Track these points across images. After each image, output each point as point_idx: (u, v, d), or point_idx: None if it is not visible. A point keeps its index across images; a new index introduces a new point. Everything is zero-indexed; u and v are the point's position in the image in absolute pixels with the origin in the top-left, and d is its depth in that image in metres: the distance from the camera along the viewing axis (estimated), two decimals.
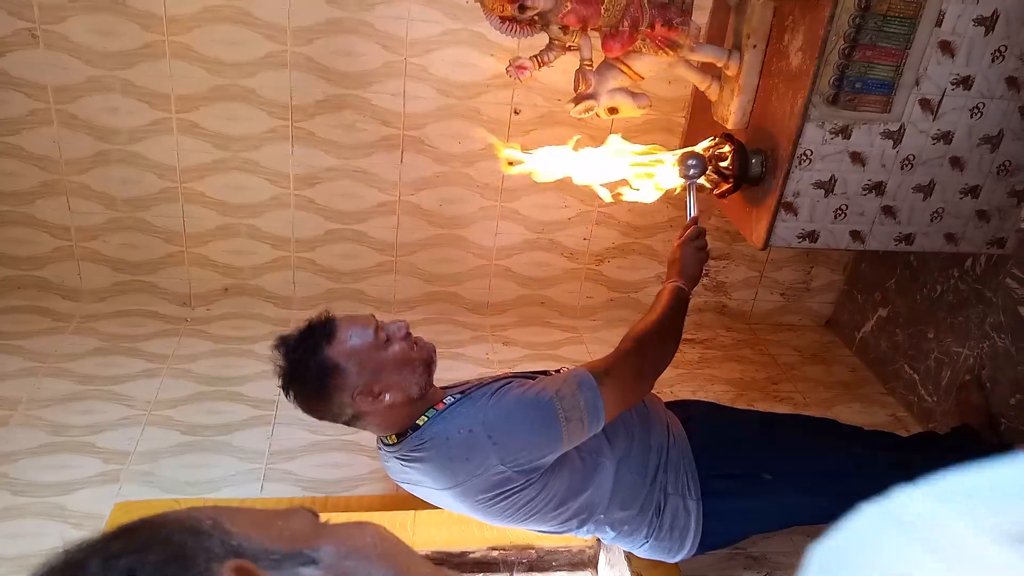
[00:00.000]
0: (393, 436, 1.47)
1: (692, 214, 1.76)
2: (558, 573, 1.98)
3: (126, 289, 2.71)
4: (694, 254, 1.69)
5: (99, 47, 2.32)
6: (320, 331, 1.37)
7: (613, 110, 1.78)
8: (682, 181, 1.75)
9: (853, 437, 1.88)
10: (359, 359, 1.36)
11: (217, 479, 2.05)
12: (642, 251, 2.94)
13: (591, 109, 1.75)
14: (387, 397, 1.38)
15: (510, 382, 1.49)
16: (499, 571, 1.93)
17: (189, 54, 2.37)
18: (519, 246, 2.87)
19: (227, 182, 2.59)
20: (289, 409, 2.11)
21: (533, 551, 1.94)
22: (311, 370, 1.35)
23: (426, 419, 1.42)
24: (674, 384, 2.65)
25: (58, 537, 1.77)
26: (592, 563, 1.99)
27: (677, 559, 1.65)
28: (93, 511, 1.90)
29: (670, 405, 1.82)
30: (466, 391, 1.48)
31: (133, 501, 1.93)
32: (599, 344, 2.84)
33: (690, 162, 1.72)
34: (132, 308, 2.70)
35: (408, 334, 1.45)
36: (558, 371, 1.61)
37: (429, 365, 1.45)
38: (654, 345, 1.52)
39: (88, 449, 2.10)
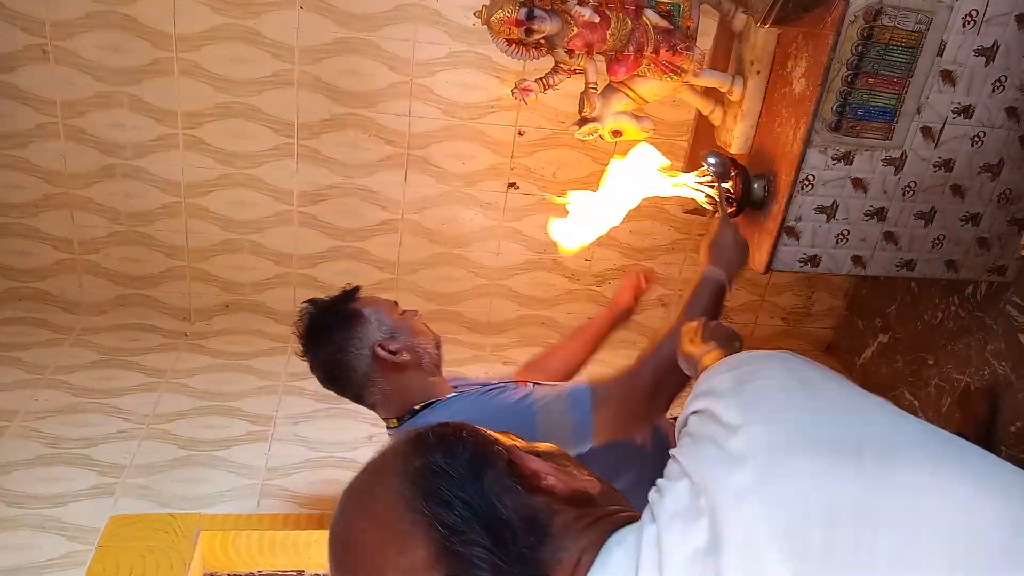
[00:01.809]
0: (395, 420, 1.47)
1: (725, 210, 1.63)
2: None
3: (126, 303, 2.72)
4: (735, 235, 1.50)
5: (108, 63, 2.35)
6: (348, 292, 1.50)
7: (617, 133, 1.79)
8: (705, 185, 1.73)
9: None
10: (380, 315, 1.46)
11: (213, 494, 2.03)
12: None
13: (595, 132, 1.76)
14: (404, 355, 1.43)
15: (506, 387, 1.45)
16: None
17: (197, 71, 2.39)
18: (521, 266, 2.87)
19: (231, 198, 2.60)
20: (286, 425, 2.14)
21: None
22: (338, 315, 1.44)
23: (424, 406, 1.44)
24: (674, 410, 2.64)
25: (52, 550, 1.76)
26: None
27: None
28: (88, 524, 1.89)
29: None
30: (459, 387, 1.50)
31: (128, 515, 1.91)
32: (598, 365, 2.83)
33: (711, 160, 1.65)
34: (131, 322, 2.70)
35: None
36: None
37: (439, 347, 1.53)
38: (671, 369, 1.30)
39: (84, 462, 2.09)
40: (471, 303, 2.92)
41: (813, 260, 1.83)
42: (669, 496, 0.57)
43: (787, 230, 1.78)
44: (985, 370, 2.30)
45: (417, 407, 1.44)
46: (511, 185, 2.71)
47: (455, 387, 1.51)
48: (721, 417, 0.59)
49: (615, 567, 0.55)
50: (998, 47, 1.66)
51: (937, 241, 1.87)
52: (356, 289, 1.52)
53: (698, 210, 1.87)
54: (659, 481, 0.61)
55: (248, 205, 2.62)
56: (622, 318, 1.91)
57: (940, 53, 1.64)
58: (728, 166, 1.68)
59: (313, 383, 2.54)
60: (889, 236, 1.85)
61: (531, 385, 1.46)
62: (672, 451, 0.62)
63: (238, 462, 2.16)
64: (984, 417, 2.22)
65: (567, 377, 1.83)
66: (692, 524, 0.54)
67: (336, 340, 1.43)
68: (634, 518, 0.61)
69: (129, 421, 2.26)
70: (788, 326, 3.11)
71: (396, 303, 1.54)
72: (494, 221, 2.78)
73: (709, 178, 1.67)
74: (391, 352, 1.42)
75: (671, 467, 0.61)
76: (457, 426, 0.62)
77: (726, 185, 1.70)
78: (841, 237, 1.82)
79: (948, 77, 1.67)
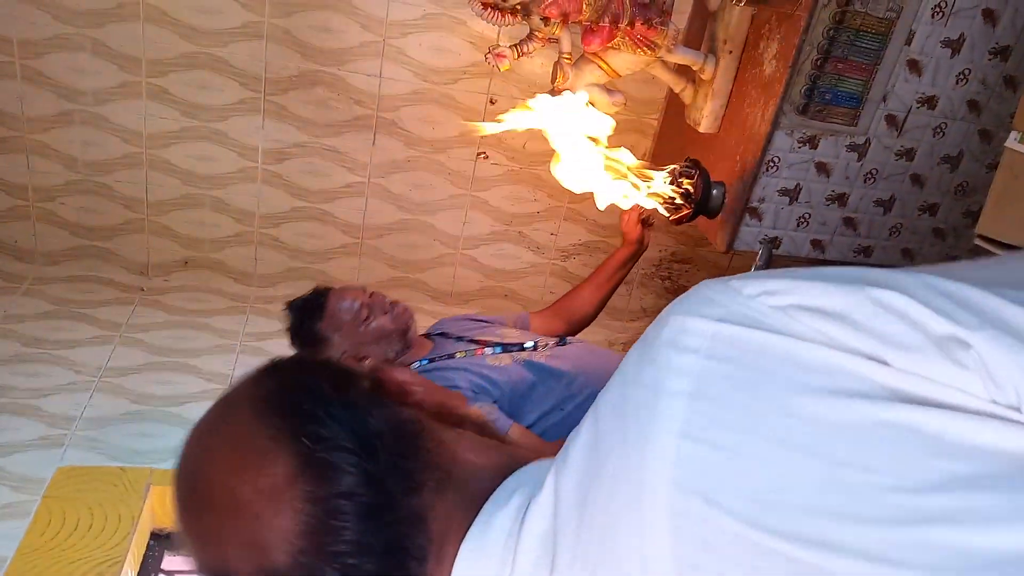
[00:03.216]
0: None
1: None
2: None
3: (82, 254, 2.65)
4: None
5: (70, 3, 2.27)
6: (314, 305, 1.64)
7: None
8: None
9: None
10: (342, 333, 1.62)
11: (165, 449, 2.01)
12: (608, 250, 2.96)
13: None
14: (366, 363, 1.58)
15: (448, 387, 1.53)
16: None
17: (163, 18, 2.32)
18: (486, 237, 2.87)
19: (194, 151, 2.55)
20: None
21: None
22: (306, 337, 1.62)
23: None
24: None
25: None
26: None
27: None
28: (34, 475, 1.86)
29: None
30: (434, 358, 1.65)
31: (77, 466, 1.89)
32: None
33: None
34: (87, 274, 2.64)
35: (390, 304, 1.69)
36: (535, 346, 1.69)
37: (405, 333, 1.67)
38: None
39: (32, 412, 2.05)
40: (435, 272, 2.91)
41: (774, 241, 1.86)
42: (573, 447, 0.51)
43: (750, 210, 1.80)
44: None
45: None
46: (480, 154, 2.70)
47: (429, 341, 1.72)
48: None
49: (497, 531, 0.51)
50: (964, 39, 1.69)
51: (895, 229, 1.91)
52: (322, 295, 1.66)
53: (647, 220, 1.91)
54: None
55: (211, 160, 2.57)
56: (636, 251, 1.99)
57: (908, 42, 1.67)
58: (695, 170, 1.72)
59: (271, 344, 2.52)
60: (849, 221, 1.88)
61: (480, 398, 1.54)
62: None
63: (192, 419, 2.11)
64: None
65: (591, 318, 2.00)
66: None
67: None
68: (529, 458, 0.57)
69: (81, 373, 2.21)
70: None
71: (362, 302, 1.65)
72: (461, 190, 2.76)
73: (668, 178, 1.70)
74: (356, 360, 1.60)
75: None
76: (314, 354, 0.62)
77: (688, 185, 1.72)
78: (802, 220, 1.85)
79: (915, 66, 1.70)
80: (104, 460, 1.95)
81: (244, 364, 2.37)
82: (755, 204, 1.79)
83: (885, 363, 0.42)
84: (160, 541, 1.93)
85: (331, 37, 2.42)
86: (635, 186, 1.69)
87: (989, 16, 1.67)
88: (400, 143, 2.64)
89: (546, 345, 1.70)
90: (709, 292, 0.48)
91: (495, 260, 2.92)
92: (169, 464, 1.96)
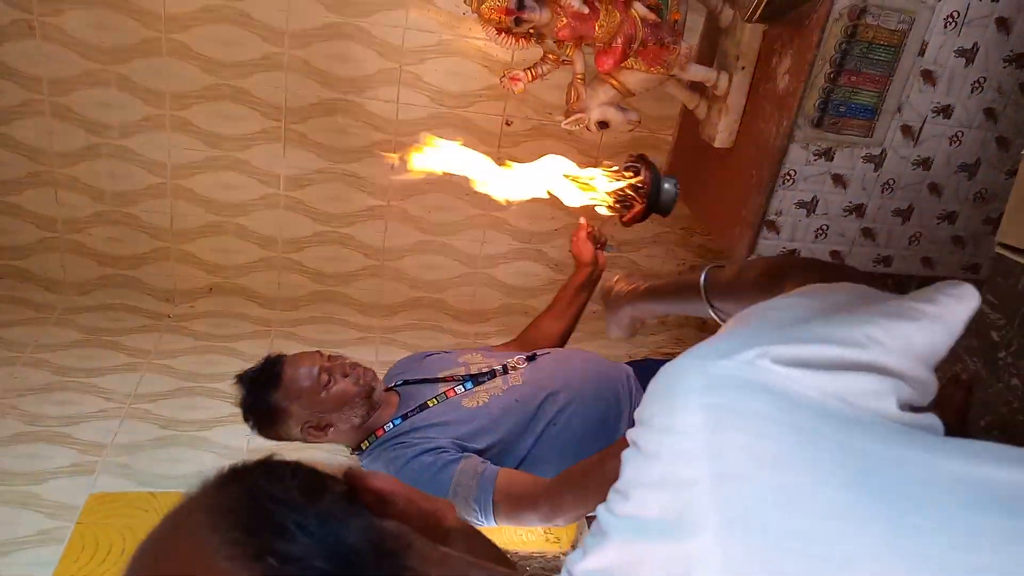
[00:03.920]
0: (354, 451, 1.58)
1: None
2: None
3: (109, 283, 2.71)
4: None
5: (95, 41, 2.34)
6: (269, 374, 1.51)
7: (603, 124, 1.81)
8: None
9: None
10: (302, 402, 1.50)
11: (194, 474, 2.03)
12: (626, 265, 2.97)
13: (581, 122, 1.78)
14: (330, 432, 1.52)
15: (441, 450, 1.45)
16: None
17: (186, 52, 2.38)
18: (505, 255, 2.89)
19: (217, 180, 2.60)
20: None
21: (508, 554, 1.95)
22: (262, 411, 1.51)
23: (368, 444, 1.54)
24: None
25: (30, 526, 1.76)
26: None
27: None
28: (67, 501, 1.90)
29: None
30: (407, 414, 1.54)
31: (108, 492, 1.92)
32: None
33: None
34: (114, 302, 2.69)
35: (350, 367, 1.56)
36: (505, 369, 1.62)
37: (369, 395, 1.54)
38: (574, 498, 1.31)
39: (64, 440, 2.09)
40: (455, 291, 2.94)
41: (793, 254, 1.86)
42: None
43: (767, 224, 1.81)
44: (957, 365, 2.34)
45: (363, 446, 1.54)
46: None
47: (398, 413, 1.55)
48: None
49: None
50: (977, 49, 1.69)
51: (914, 238, 1.91)
52: (277, 364, 1.53)
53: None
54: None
55: (234, 188, 2.62)
56: (591, 272, 1.87)
57: (921, 53, 1.67)
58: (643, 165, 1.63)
59: None
60: (867, 232, 1.88)
61: (465, 454, 1.45)
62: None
63: (220, 442, 2.16)
64: (964, 407, 2.26)
65: (557, 345, 1.86)
66: None
67: (267, 432, 1.53)
68: None
69: (111, 401, 2.26)
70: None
71: (320, 366, 1.53)
72: (480, 210, 2.79)
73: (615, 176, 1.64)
74: (320, 429, 1.51)
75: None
76: (281, 458, 0.51)
77: (635, 181, 1.65)
78: (820, 231, 1.85)
79: (929, 77, 1.71)
80: (135, 486, 1.98)
81: None
82: (772, 217, 1.80)
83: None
84: None
85: (349, 66, 2.47)
86: (583, 187, 1.65)
87: (1003, 24, 1.68)
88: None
89: (515, 368, 1.63)
90: (679, 371, 0.50)
91: (514, 278, 2.94)
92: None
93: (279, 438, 1.53)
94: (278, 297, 2.82)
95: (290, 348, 2.60)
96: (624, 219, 1.71)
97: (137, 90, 2.42)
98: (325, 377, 1.51)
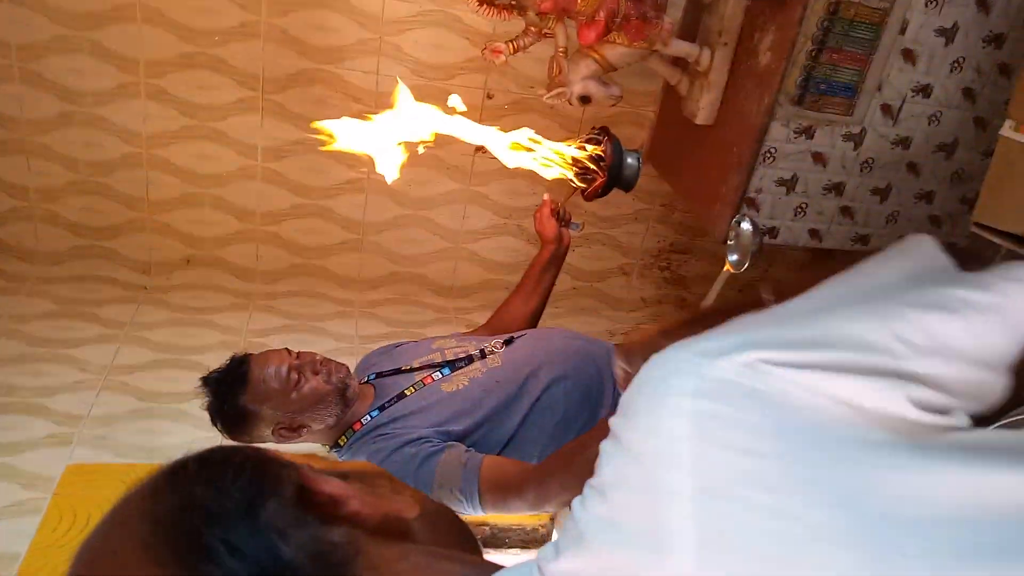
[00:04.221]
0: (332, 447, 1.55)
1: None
2: (511, 550, 2.01)
3: (84, 254, 2.67)
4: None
5: (67, 6, 2.28)
6: (235, 377, 1.46)
7: (585, 99, 1.80)
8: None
9: None
10: (272, 403, 1.44)
11: (172, 446, 2.03)
12: (606, 241, 2.98)
13: (563, 96, 1.77)
14: (304, 432, 1.47)
15: (412, 441, 1.41)
16: None
17: (160, 19, 2.33)
18: (486, 231, 2.89)
19: (194, 151, 2.56)
20: None
21: (487, 527, 1.97)
22: (230, 415, 1.46)
23: (346, 440, 1.50)
24: None
25: (6, 497, 1.74)
26: (545, 541, 2.03)
27: None
28: (44, 472, 1.88)
29: None
30: (384, 405, 1.50)
31: (86, 464, 1.91)
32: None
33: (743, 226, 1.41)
34: (89, 273, 2.65)
35: (320, 364, 1.49)
36: (482, 354, 1.59)
37: (343, 392, 1.48)
38: (560, 483, 1.28)
39: (40, 411, 2.07)
40: (435, 266, 2.93)
41: (772, 231, 1.88)
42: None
43: (747, 201, 1.82)
44: None
45: (341, 442, 1.50)
46: (478, 148, 2.71)
47: (375, 405, 1.51)
48: None
49: None
50: (957, 28, 1.70)
51: (891, 217, 1.93)
52: (243, 364, 1.48)
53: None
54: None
55: (211, 159, 2.58)
56: (556, 250, 1.81)
57: (902, 31, 1.68)
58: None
59: (275, 338, 2.54)
60: (846, 210, 1.90)
61: (448, 444, 1.41)
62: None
63: (198, 416, 2.14)
64: None
65: (528, 326, 1.81)
66: None
67: (237, 434, 1.48)
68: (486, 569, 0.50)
69: (86, 372, 2.24)
70: (743, 296, 3.18)
71: (290, 365, 1.47)
72: (461, 185, 2.78)
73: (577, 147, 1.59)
74: (293, 430, 1.46)
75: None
76: (230, 450, 0.48)
77: (596, 150, 1.60)
78: (799, 210, 1.87)
79: (909, 56, 1.72)
80: (112, 457, 1.97)
81: None
82: (752, 195, 1.81)
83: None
84: None
85: (328, 35, 2.43)
86: (543, 162, 1.63)
87: (982, 4, 1.69)
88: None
89: (493, 352, 1.60)
90: (672, 365, 0.47)
91: (495, 253, 2.94)
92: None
93: (251, 441, 1.48)
94: (257, 270, 2.79)
95: (269, 321, 2.60)
96: (586, 193, 1.67)
97: (111, 57, 2.37)
98: (295, 376, 1.45)
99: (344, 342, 2.59)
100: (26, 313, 2.43)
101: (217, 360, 2.35)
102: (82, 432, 2.03)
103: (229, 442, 1.50)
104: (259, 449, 0.50)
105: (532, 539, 2.02)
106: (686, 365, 0.46)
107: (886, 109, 1.77)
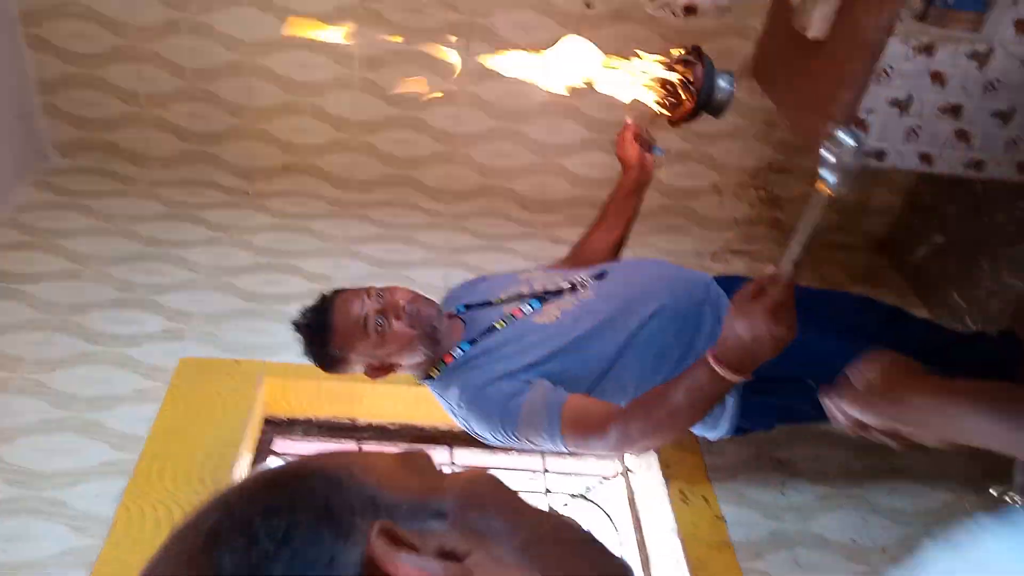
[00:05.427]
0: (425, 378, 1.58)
1: (792, 258, 1.07)
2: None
3: (190, 159, 2.78)
4: (761, 323, 1.08)
5: None
6: (319, 324, 1.47)
7: (690, 9, 1.74)
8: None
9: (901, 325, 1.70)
10: (359, 350, 1.47)
11: (275, 344, 2.15)
12: (700, 158, 2.91)
13: (668, 7, 1.71)
14: (395, 369, 1.52)
15: (502, 376, 1.43)
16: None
17: None
18: (576, 145, 2.86)
19: (292, 59, 2.60)
20: (345, 285, 2.19)
21: None
22: (324, 360, 1.51)
23: (437, 372, 1.53)
24: None
25: (127, 385, 1.88)
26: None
27: (710, 437, 1.64)
28: (160, 364, 2.03)
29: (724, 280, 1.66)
30: (474, 339, 1.51)
31: (197, 358, 2.05)
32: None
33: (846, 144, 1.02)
34: (195, 178, 2.77)
35: (404, 308, 1.47)
36: (573, 287, 1.56)
37: (433, 334, 1.48)
38: (640, 430, 1.28)
39: (154, 307, 2.21)
40: (524, 180, 2.93)
41: (879, 155, 1.80)
42: None
43: (856, 122, 1.74)
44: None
45: (432, 374, 1.53)
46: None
47: (465, 337, 1.52)
48: None
49: None
50: None
51: (1012, 142, 1.82)
52: (324, 313, 1.48)
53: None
54: None
55: (309, 67, 2.62)
56: (639, 177, 1.71)
57: None
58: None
59: (368, 247, 2.62)
60: (961, 134, 1.80)
61: (536, 381, 1.42)
62: None
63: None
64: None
65: (612, 256, 1.77)
66: None
67: (336, 372, 1.53)
68: None
69: (195, 272, 2.37)
70: (842, 220, 3.07)
71: (367, 315, 1.45)
72: (553, 97, 2.73)
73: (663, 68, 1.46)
74: (385, 370, 1.51)
75: None
76: (299, 498, 0.41)
77: (686, 73, 1.45)
78: (911, 132, 1.78)
79: None
80: (220, 353, 2.10)
81: (343, 267, 2.48)
82: (862, 115, 1.73)
83: None
84: (272, 426, 2.10)
85: None
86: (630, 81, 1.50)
87: None
88: (492, 48, 2.61)
89: (584, 285, 1.56)
90: None
91: (585, 169, 2.92)
92: (278, 359, 2.10)
93: (348, 373, 1.55)
94: (351, 179, 2.86)
95: (364, 229, 2.68)
96: (672, 118, 1.54)
97: None
98: (377, 323, 1.44)
99: (434, 252, 2.64)
100: (139, 214, 2.57)
101: (314, 264, 2.46)
102: (192, 327, 2.17)
103: None
104: (346, 476, 0.43)
105: None
106: None
107: (1021, 26, 1.64)
